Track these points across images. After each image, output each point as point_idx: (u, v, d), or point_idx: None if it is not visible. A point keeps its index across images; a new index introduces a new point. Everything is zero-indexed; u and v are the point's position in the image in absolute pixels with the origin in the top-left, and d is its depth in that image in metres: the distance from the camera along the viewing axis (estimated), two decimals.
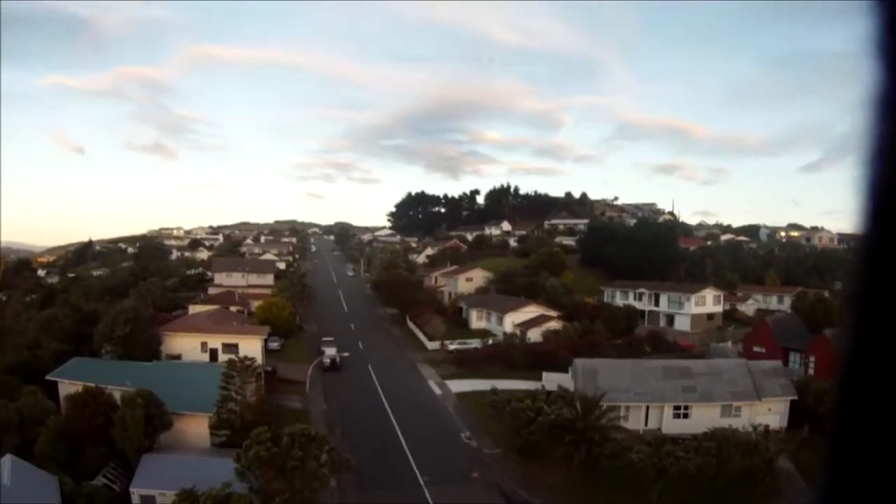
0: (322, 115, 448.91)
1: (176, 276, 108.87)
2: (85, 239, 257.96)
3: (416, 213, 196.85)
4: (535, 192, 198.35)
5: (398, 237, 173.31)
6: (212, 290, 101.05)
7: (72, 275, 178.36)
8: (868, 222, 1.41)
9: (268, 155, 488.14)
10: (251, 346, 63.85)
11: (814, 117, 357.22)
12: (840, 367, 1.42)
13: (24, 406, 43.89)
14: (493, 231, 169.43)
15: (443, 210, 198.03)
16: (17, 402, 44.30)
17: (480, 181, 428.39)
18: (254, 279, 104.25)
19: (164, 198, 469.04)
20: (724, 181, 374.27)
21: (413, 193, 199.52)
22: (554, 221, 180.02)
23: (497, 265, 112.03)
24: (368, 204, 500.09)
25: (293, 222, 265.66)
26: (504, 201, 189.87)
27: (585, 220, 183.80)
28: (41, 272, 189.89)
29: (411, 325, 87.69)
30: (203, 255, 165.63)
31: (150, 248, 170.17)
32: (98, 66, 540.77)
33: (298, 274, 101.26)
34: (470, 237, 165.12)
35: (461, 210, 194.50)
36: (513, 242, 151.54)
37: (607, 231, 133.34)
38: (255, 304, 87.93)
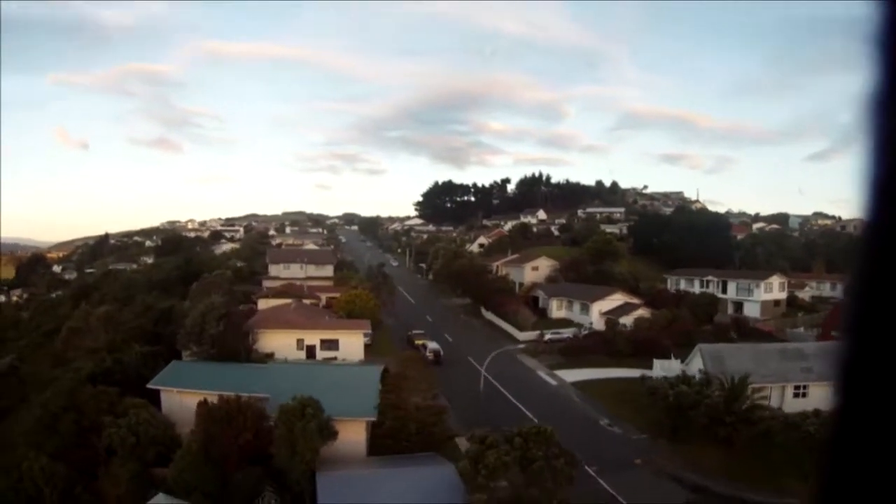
0: (326, 108, 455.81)
1: (224, 269, 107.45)
2: (91, 234, 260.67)
3: (442, 202, 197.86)
4: (567, 180, 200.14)
5: (431, 226, 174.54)
6: (266, 283, 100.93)
7: (90, 269, 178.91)
8: (869, 218, 1.43)
9: (273, 147, 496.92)
10: (352, 342, 64.05)
11: (819, 106, 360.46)
12: (840, 366, 1.42)
13: (135, 424, 38.70)
14: (529, 220, 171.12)
15: (472, 199, 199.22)
16: (125, 418, 39.19)
17: (486, 171, 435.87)
18: (312, 270, 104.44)
19: (170, 192, 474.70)
20: (729, 170, 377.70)
21: (440, 182, 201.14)
22: (590, 210, 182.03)
23: (549, 254, 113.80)
24: (376, 194, 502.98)
25: (302, 213, 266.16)
26: (536, 190, 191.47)
27: (620, 209, 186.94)
28: (56, 268, 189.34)
29: (489, 316, 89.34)
30: (226, 247, 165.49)
31: (174, 240, 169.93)
32: (101, 63, 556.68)
33: (378, 263, 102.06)
34: (506, 226, 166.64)
35: (491, 199, 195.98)
36: (554, 231, 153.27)
37: (661, 220, 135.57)
38: (326, 297, 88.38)
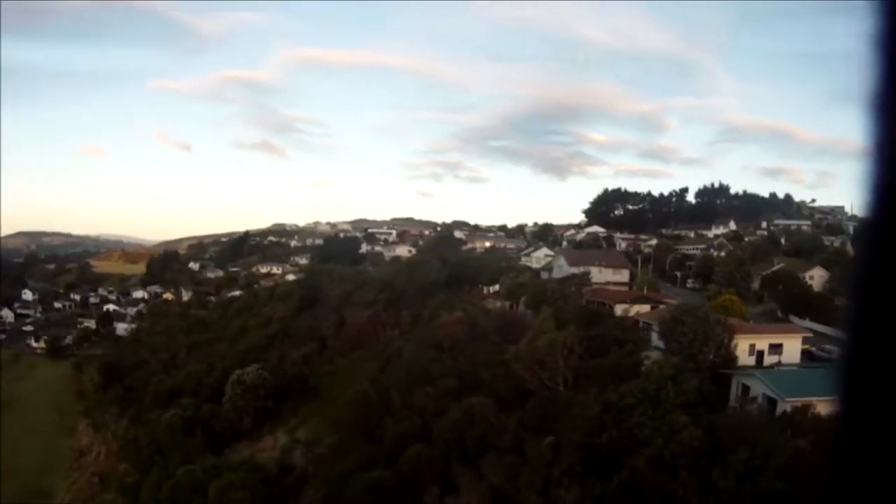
0: (427, 117, 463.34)
1: (514, 274, 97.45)
2: (198, 233, 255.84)
3: (610, 209, 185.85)
4: (744, 191, 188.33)
5: (617, 234, 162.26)
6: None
7: (234, 268, 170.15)
8: (871, 221, 1.48)
9: (375, 154, 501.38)
10: (793, 346, 60.76)
11: None
12: (841, 365, 1.47)
13: None
14: (720, 230, 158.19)
15: (645, 207, 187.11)
16: None
17: (588, 182, 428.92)
18: (609, 275, 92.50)
19: (272, 195, 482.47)
20: (831, 186, 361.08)
21: (609, 189, 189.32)
22: (778, 222, 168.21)
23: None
24: (479, 203, 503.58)
25: (411, 220, 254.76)
26: (720, 200, 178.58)
27: (806, 222, 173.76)
28: (193, 265, 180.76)
29: (808, 324, 75.59)
30: (401, 250, 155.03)
31: (341, 241, 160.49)
32: (199, 71, 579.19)
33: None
34: (691, 235, 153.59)
35: (667, 208, 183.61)
36: None
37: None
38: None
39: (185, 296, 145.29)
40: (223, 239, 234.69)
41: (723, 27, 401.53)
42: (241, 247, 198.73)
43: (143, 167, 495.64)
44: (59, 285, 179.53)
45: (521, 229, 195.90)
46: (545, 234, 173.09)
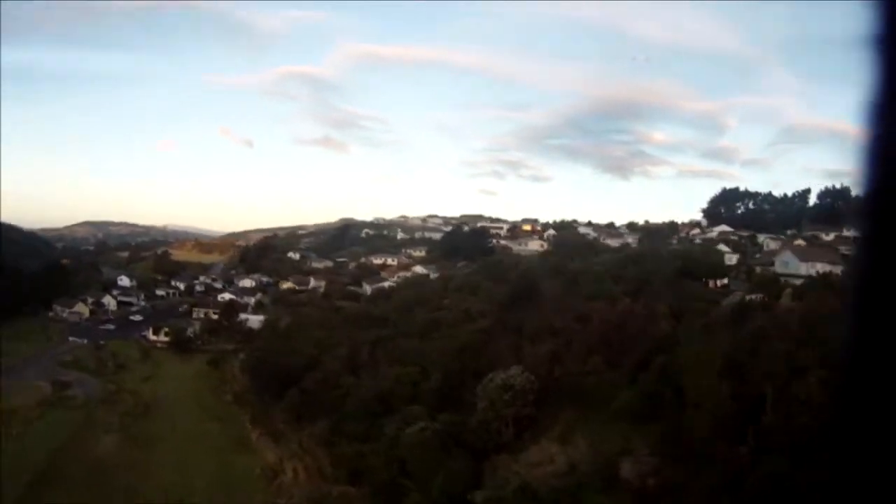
0: (489, 115, 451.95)
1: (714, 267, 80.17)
2: (265, 226, 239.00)
3: (730, 209, 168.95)
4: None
5: (742, 235, 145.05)
6: None
7: (341, 258, 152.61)
8: (869, 220, 1.45)
9: (436, 151, 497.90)
10: None
11: None
12: (842, 364, 1.43)
13: None
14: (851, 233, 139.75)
15: (765, 207, 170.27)
16: None
17: (649, 182, 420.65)
18: None
19: (336, 189, 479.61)
20: None
21: (727, 188, 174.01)
22: None
23: None
24: (542, 201, 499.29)
25: (480, 216, 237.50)
26: (847, 202, 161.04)
27: None
28: (292, 255, 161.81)
29: None
30: (534, 245, 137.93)
31: (465, 234, 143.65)
32: (261, 67, 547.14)
33: None
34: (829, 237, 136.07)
35: (791, 209, 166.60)
36: None
37: None
38: None
39: (296, 285, 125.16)
40: (299, 231, 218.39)
41: (785, 24, 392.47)
42: (342, 237, 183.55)
43: (206, 161, 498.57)
44: (138, 272, 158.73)
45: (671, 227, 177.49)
46: (670, 233, 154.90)
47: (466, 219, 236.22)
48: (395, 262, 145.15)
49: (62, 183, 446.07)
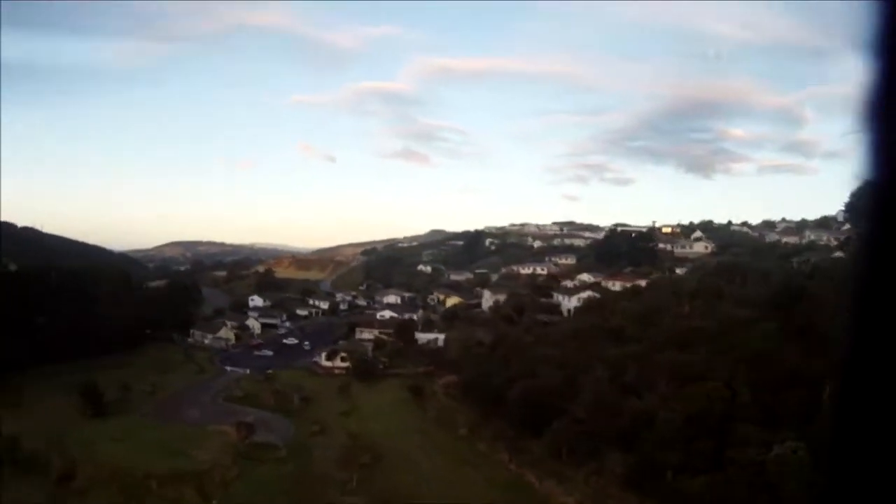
0: (565, 121, 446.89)
1: None
2: (352, 241, 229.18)
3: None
4: None
5: None
6: None
7: (482, 270, 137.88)
8: (869, 220, 1.43)
9: (517, 159, 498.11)
10: None
11: None
12: (841, 365, 1.43)
13: None
14: None
15: None
16: None
17: (732, 180, 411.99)
18: None
19: (421, 201, 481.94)
20: None
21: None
22: None
23: None
24: (628, 204, 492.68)
25: (572, 223, 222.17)
26: None
27: None
28: (423, 267, 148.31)
29: None
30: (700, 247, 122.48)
31: (626, 239, 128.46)
32: (338, 84, 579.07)
33: None
34: None
35: None
36: None
37: None
38: None
39: (462, 299, 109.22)
40: (407, 243, 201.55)
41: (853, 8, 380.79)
42: (475, 248, 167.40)
43: (289, 178, 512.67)
44: (240, 291, 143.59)
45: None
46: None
47: (559, 225, 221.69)
48: (545, 271, 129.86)
49: (149, 205, 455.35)
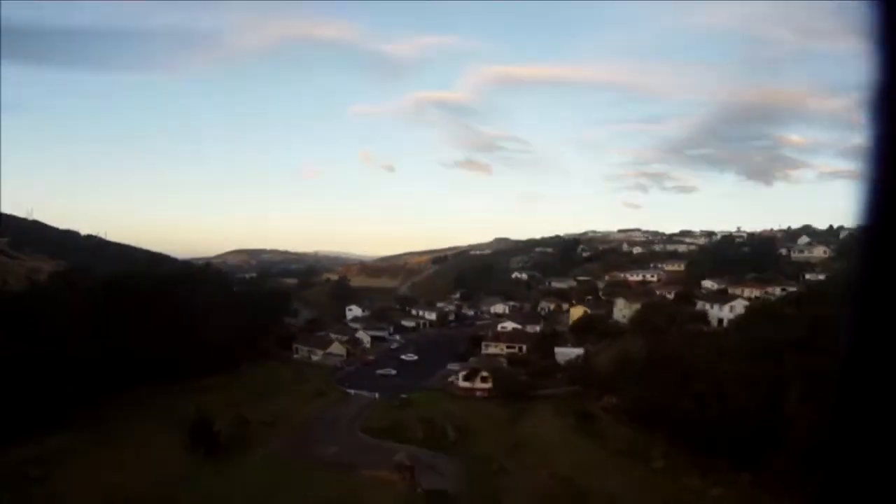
0: (625, 129, 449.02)
1: None
2: (415, 248, 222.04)
3: None
4: None
5: None
6: None
7: (584, 277, 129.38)
8: (869, 220, 1.41)
9: (577, 167, 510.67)
10: None
11: None
12: (841, 367, 1.43)
13: None
14: None
15: None
16: None
17: (792, 187, 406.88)
18: None
19: (483, 209, 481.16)
20: None
21: None
22: None
23: None
24: (689, 212, 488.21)
25: (637, 230, 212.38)
26: None
27: None
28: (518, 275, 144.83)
29: None
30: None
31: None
32: (397, 94, 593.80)
33: None
34: None
35: None
36: None
37: None
38: None
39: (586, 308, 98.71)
40: (479, 251, 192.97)
41: None
42: (570, 255, 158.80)
43: (350, 187, 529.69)
44: (314, 299, 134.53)
45: None
46: None
47: (625, 233, 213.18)
48: (654, 278, 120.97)
49: (209, 213, 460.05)
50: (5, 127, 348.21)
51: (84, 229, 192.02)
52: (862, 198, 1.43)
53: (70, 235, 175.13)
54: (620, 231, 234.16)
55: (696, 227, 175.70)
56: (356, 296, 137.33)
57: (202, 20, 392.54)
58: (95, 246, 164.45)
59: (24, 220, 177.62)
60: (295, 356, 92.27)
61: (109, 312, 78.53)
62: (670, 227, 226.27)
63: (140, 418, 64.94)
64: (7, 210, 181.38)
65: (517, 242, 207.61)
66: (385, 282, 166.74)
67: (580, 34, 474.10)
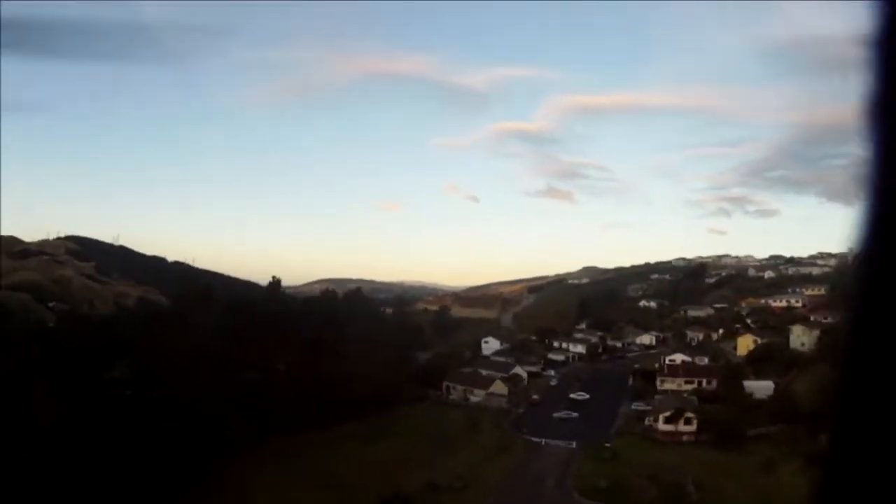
0: (704, 153, 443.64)
1: None
2: (500, 279, 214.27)
3: None
4: None
5: None
6: None
7: (721, 305, 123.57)
8: (869, 225, 1.40)
9: (658, 194, 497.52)
10: None
11: None
12: (841, 367, 1.43)
13: None
14: None
15: None
16: None
17: None
18: None
19: (567, 237, 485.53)
20: None
21: None
22: None
23: None
24: (773, 236, 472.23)
25: (727, 256, 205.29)
26: None
27: None
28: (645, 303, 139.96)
29: None
30: None
31: None
32: (475, 126, 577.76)
33: None
34: None
35: None
36: None
37: None
38: None
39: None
40: (576, 279, 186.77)
41: None
42: (697, 282, 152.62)
43: (434, 218, 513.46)
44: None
45: None
46: None
47: (726, 260, 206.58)
48: (799, 303, 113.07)
49: (296, 243, 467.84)
50: (91, 156, 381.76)
51: (169, 256, 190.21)
52: (864, 200, 1.40)
53: (157, 261, 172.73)
54: (710, 256, 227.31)
55: (786, 251, 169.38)
56: (459, 326, 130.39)
57: (282, 54, 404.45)
58: (184, 273, 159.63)
59: (110, 246, 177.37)
60: (451, 396, 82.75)
61: (233, 347, 67.84)
62: (758, 252, 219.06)
63: (289, 480, 54.32)
64: (93, 235, 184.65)
65: (605, 271, 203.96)
66: (480, 312, 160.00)
67: (652, 61, 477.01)
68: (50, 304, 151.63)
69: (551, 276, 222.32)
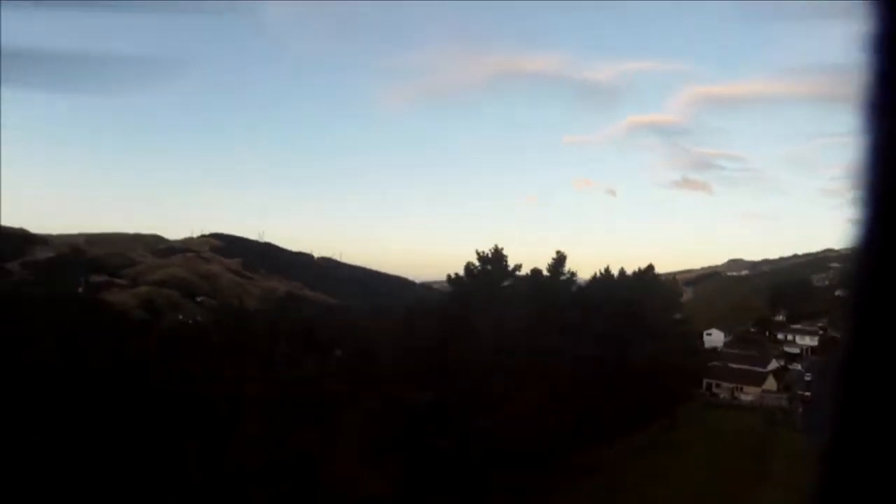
0: (838, 141, 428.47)
1: None
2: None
3: None
4: None
5: None
6: None
7: None
8: (868, 224, 1.40)
9: (795, 183, 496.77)
10: None
11: None
12: (841, 369, 1.43)
13: None
14: None
15: None
16: None
17: None
18: None
19: (705, 229, 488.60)
20: None
21: None
22: None
23: None
24: None
25: None
26: None
27: None
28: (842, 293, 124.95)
29: None
30: None
31: None
32: (608, 121, 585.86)
33: None
34: None
35: None
36: None
37: None
38: None
39: None
40: (735, 271, 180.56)
41: None
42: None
43: (572, 212, 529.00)
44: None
45: None
46: None
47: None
48: None
49: (439, 239, 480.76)
50: (232, 156, 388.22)
51: (316, 252, 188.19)
52: (862, 200, 1.39)
53: (303, 257, 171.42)
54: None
55: None
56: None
57: (414, 56, 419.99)
58: (330, 268, 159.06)
59: (255, 243, 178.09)
60: (722, 396, 72.05)
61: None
62: None
63: None
64: (239, 233, 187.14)
65: (755, 263, 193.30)
66: None
67: (779, 50, 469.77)
68: (198, 299, 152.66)
69: (697, 269, 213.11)
